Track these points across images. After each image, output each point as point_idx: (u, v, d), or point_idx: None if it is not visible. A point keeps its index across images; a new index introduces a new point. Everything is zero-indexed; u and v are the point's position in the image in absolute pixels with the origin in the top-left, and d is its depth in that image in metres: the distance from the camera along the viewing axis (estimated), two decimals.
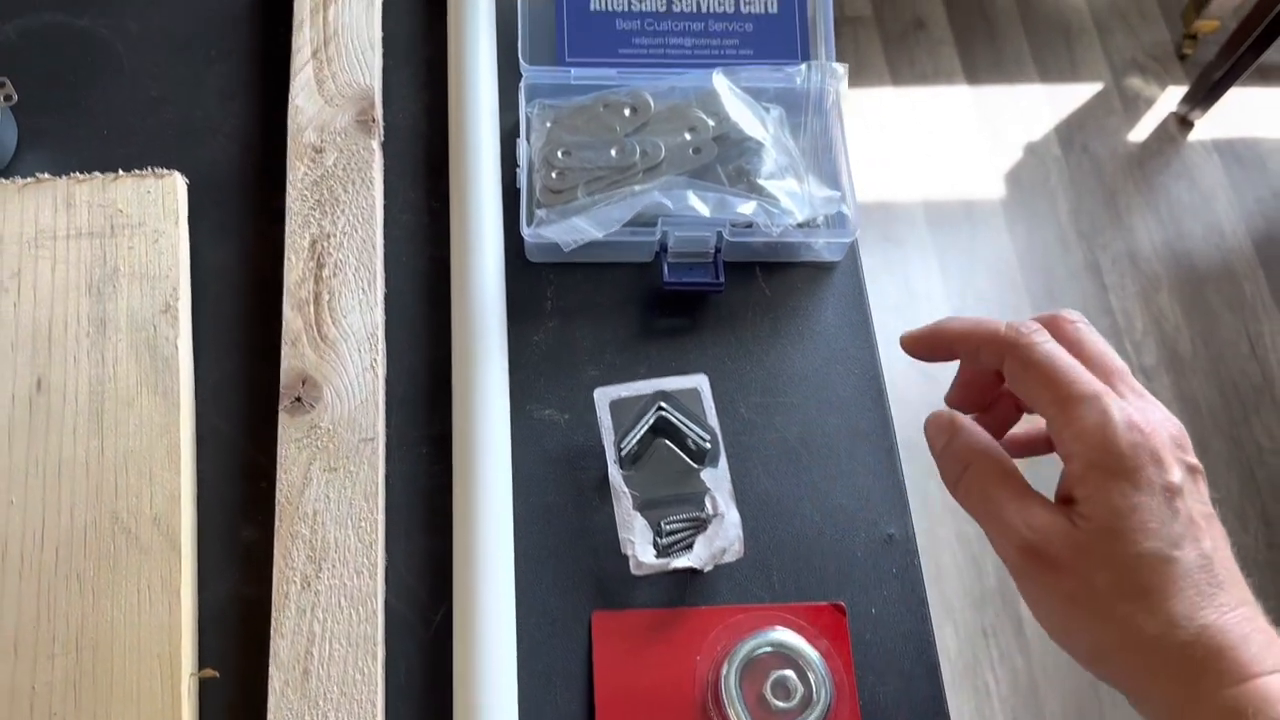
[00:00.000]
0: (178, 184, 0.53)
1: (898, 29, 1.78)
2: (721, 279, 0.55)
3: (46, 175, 0.53)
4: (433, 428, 0.52)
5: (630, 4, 0.60)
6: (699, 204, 0.53)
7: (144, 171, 0.53)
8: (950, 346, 0.44)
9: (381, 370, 0.51)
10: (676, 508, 0.51)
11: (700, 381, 0.52)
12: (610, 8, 0.60)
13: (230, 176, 0.56)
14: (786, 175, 0.57)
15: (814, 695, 0.46)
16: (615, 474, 0.50)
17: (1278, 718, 0.34)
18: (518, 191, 0.56)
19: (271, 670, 0.44)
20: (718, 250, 0.55)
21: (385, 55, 0.60)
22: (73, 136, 0.57)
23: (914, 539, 0.52)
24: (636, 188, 0.54)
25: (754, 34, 0.61)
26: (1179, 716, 0.35)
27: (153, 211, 0.52)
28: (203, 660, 0.46)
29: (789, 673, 0.47)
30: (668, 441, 0.51)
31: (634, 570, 0.48)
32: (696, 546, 0.48)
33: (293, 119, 0.55)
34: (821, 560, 0.50)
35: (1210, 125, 1.73)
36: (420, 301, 0.54)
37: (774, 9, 0.61)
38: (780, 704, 0.46)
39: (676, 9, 0.60)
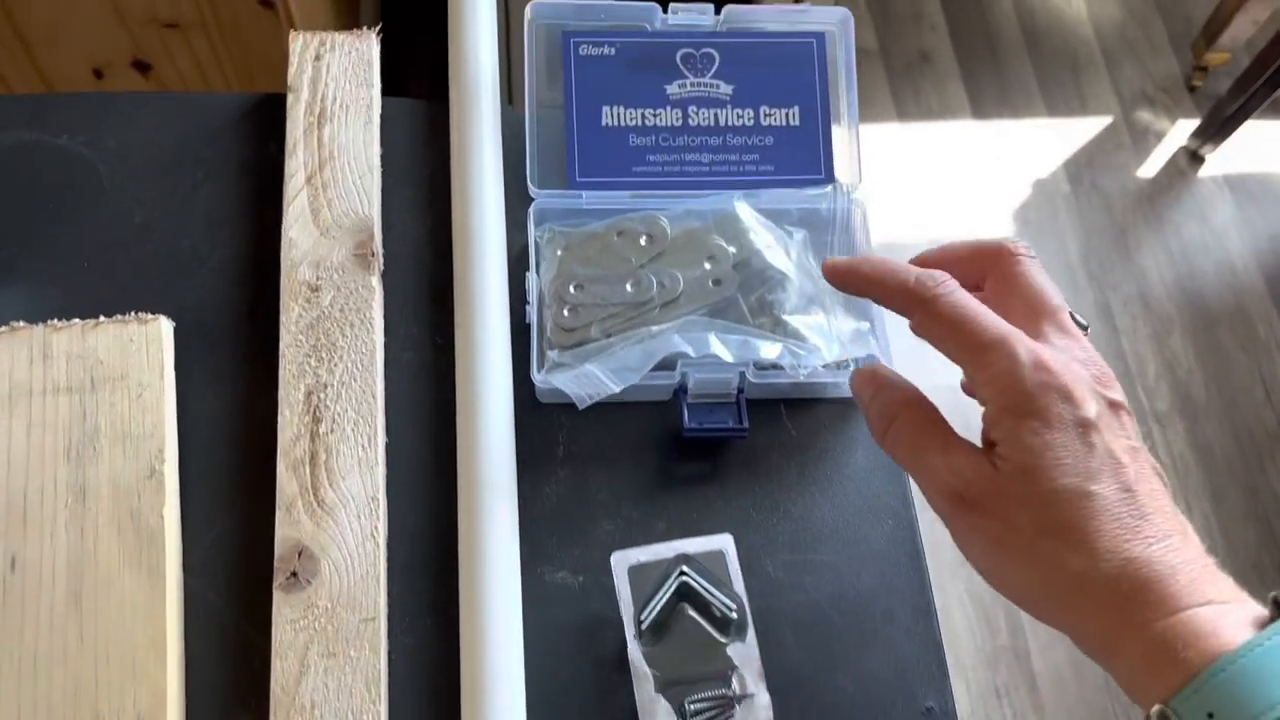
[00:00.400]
0: (163, 331, 0.50)
1: (902, 62, 1.75)
2: (745, 424, 0.51)
3: (21, 323, 0.49)
4: (438, 595, 0.48)
5: (644, 119, 0.56)
6: (721, 349, 0.50)
7: (126, 317, 0.50)
8: (865, 289, 0.44)
9: (383, 538, 0.47)
10: (701, 685, 0.47)
11: (725, 543, 0.48)
12: (623, 123, 0.56)
13: (220, 315, 0.53)
14: (812, 308, 0.53)
15: None
16: (635, 652, 0.46)
17: (1207, 651, 0.33)
18: (527, 327, 0.52)
19: None
20: (740, 391, 0.52)
21: (384, 173, 0.56)
22: (50, 270, 0.53)
23: (954, 712, 0.48)
24: (654, 328, 0.51)
25: (774, 148, 0.57)
26: (1112, 651, 0.35)
27: (136, 362, 0.49)
28: None
29: None
30: (691, 611, 0.48)
31: None
32: None
33: (286, 254, 0.52)
34: None
35: (1222, 160, 1.70)
36: (423, 452, 0.51)
37: (795, 120, 0.57)
38: None
39: (693, 123, 0.57)
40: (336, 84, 0.56)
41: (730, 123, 0.57)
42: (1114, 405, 0.38)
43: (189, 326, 0.52)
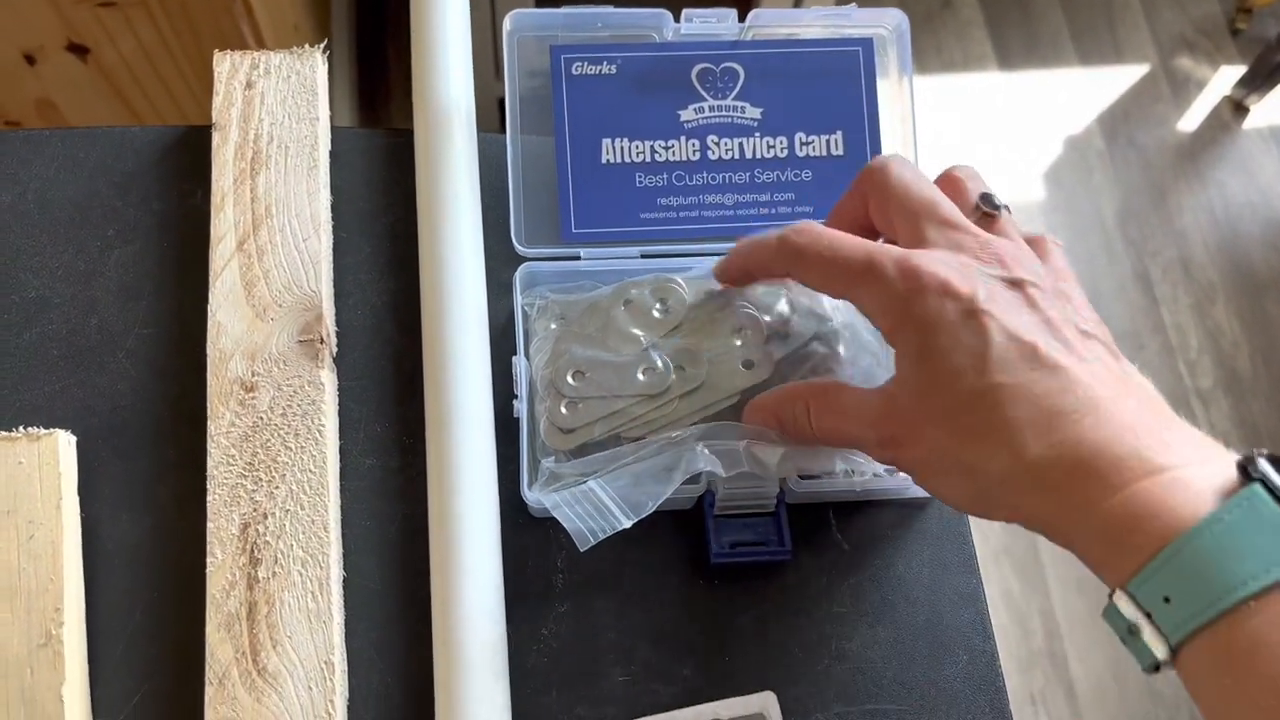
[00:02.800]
0: (60, 449, 0.40)
1: (922, 10, 1.62)
2: (788, 545, 0.42)
3: None
4: None
5: (653, 153, 0.46)
6: (758, 466, 0.40)
7: (14, 433, 0.40)
8: (746, 274, 0.42)
9: (341, 711, 0.38)
10: None
11: (766, 703, 0.39)
12: (627, 159, 0.45)
13: (136, 416, 0.43)
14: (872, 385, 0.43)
15: None
16: None
17: (1159, 531, 0.30)
18: (514, 421, 0.42)
19: None
20: (780, 502, 0.42)
21: (336, 225, 0.46)
22: None
23: None
24: (675, 433, 0.41)
25: (814, 184, 0.47)
26: (1070, 540, 0.33)
27: (26, 493, 0.39)
28: None
29: None
30: None
31: None
32: None
33: (213, 342, 0.42)
34: None
35: (1269, 111, 1.58)
36: (391, 588, 0.41)
37: (838, 149, 0.47)
38: None
39: (713, 156, 0.46)
40: (273, 118, 0.45)
41: (759, 154, 0.46)
42: (1015, 283, 0.34)
43: (96, 432, 0.42)
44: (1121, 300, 1.46)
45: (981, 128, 1.57)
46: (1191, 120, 1.58)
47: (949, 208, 0.37)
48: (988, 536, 1.32)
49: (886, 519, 0.44)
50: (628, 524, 0.38)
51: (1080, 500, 0.31)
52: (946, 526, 0.44)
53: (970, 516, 0.44)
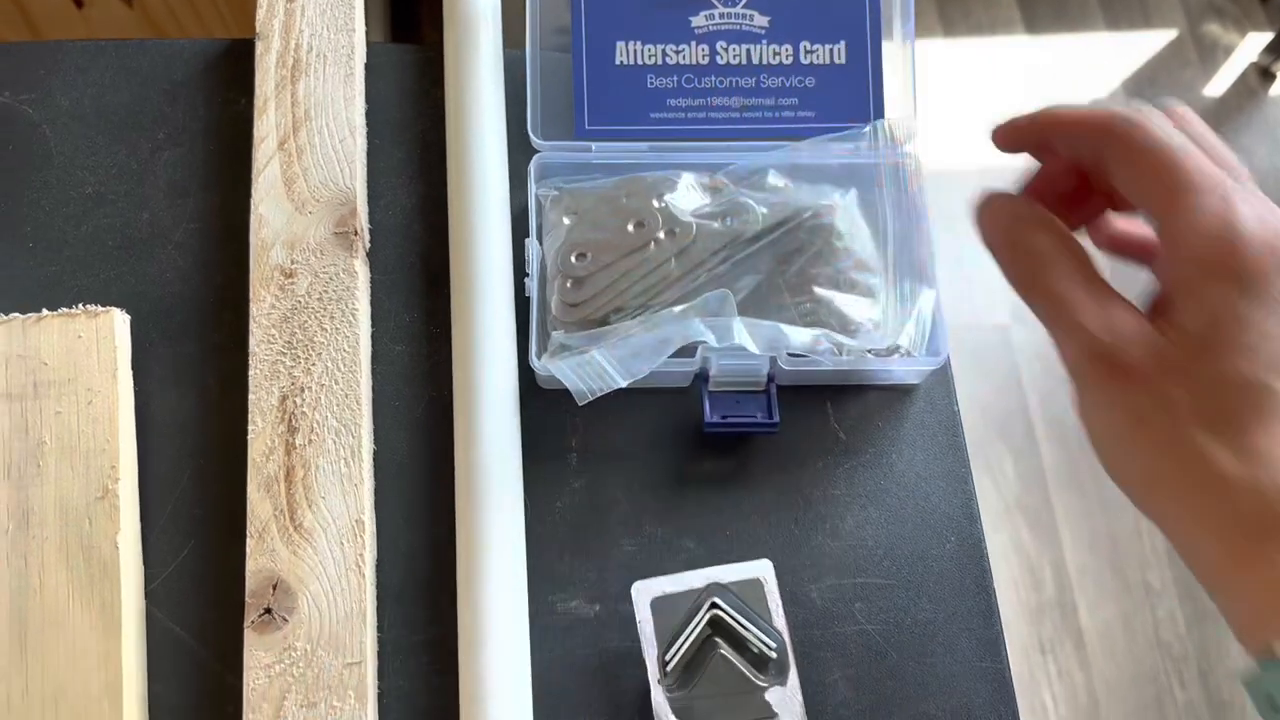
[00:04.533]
0: (116, 326, 0.43)
1: None
2: (776, 418, 0.44)
3: None
4: (434, 629, 0.42)
5: (664, 56, 0.48)
6: (747, 340, 0.43)
7: (74, 310, 0.43)
8: (1047, 137, 0.36)
9: (369, 568, 0.41)
10: None
11: (763, 570, 0.42)
12: (639, 61, 0.48)
13: (184, 303, 0.46)
14: (859, 285, 0.46)
15: None
16: (660, 698, 0.40)
17: None
18: (525, 301, 0.45)
19: None
20: (771, 380, 0.45)
21: (370, 133, 0.49)
22: None
23: None
24: (676, 309, 0.44)
25: (817, 91, 0.49)
26: (1231, 576, 0.29)
27: (86, 364, 0.42)
28: None
29: None
30: (724, 649, 0.42)
31: None
32: None
33: (255, 232, 0.45)
34: None
35: None
36: (417, 460, 0.44)
37: (841, 59, 0.49)
38: None
39: (721, 61, 0.49)
40: (313, 30, 0.48)
41: (765, 61, 0.49)
42: None
43: (148, 316, 0.45)
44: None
45: (1008, 91, 1.58)
46: (1218, 86, 1.58)
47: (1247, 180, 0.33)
48: (1000, 489, 1.34)
49: (881, 405, 0.47)
50: (623, 383, 0.41)
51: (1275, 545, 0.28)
52: (939, 416, 0.47)
53: (961, 409, 0.47)
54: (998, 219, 0.35)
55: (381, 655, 0.41)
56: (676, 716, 0.40)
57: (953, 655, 0.43)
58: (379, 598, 0.42)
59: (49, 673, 0.39)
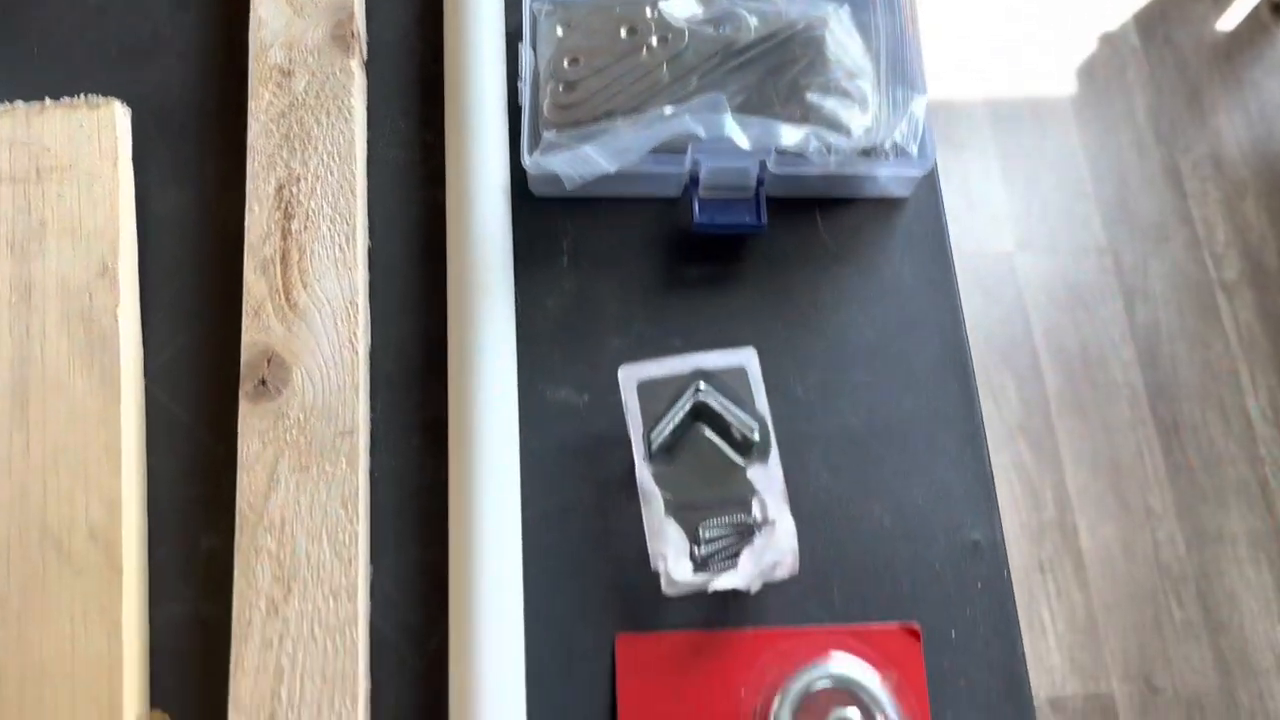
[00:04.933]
0: (116, 115, 0.44)
1: None
2: (763, 219, 0.45)
3: None
4: (426, 412, 0.43)
5: None
6: (737, 133, 0.43)
7: (76, 100, 0.44)
8: None
9: (363, 346, 0.42)
10: (717, 510, 0.42)
11: (747, 358, 0.43)
12: None
13: (183, 104, 0.47)
14: (851, 91, 0.46)
15: None
16: (644, 472, 0.41)
17: None
18: (518, 108, 0.46)
19: (231, 715, 0.37)
20: (760, 184, 0.45)
21: None
22: None
23: (1003, 545, 0.43)
24: (667, 109, 0.44)
25: None
26: None
27: (86, 150, 0.43)
28: (154, 696, 0.39)
29: (851, 712, 0.39)
30: (708, 431, 0.43)
31: (666, 590, 0.40)
32: (742, 562, 0.40)
33: (254, 33, 0.46)
34: (892, 574, 0.42)
35: None
36: (410, 258, 0.45)
37: None
38: None
39: None
40: None
41: None
42: None
43: (149, 115, 0.46)
44: (1149, 193, 1.47)
45: (1017, 23, 1.57)
46: (1230, 20, 1.57)
47: None
48: (1003, 412, 1.34)
49: (866, 215, 0.47)
50: (611, 169, 0.42)
51: None
52: (926, 227, 0.47)
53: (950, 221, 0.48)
54: None
55: (373, 434, 0.43)
56: (660, 486, 0.41)
57: (933, 447, 0.44)
58: (371, 382, 0.43)
59: (50, 433, 0.40)
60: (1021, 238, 1.43)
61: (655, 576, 0.40)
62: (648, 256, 0.46)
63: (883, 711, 0.39)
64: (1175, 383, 1.36)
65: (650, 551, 0.41)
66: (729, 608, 0.42)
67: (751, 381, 0.43)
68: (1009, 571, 0.42)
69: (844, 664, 0.40)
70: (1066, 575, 1.27)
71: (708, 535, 0.41)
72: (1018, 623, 0.42)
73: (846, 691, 0.40)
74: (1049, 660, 1.24)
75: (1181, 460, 1.32)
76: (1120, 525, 1.29)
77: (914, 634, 0.41)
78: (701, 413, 0.42)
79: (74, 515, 0.39)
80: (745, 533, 0.41)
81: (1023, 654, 0.42)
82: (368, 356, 0.43)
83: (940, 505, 0.43)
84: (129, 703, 0.37)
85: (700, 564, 0.41)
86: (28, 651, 0.37)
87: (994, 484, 0.44)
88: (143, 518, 0.40)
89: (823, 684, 0.40)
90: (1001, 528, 0.43)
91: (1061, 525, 1.29)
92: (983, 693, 0.41)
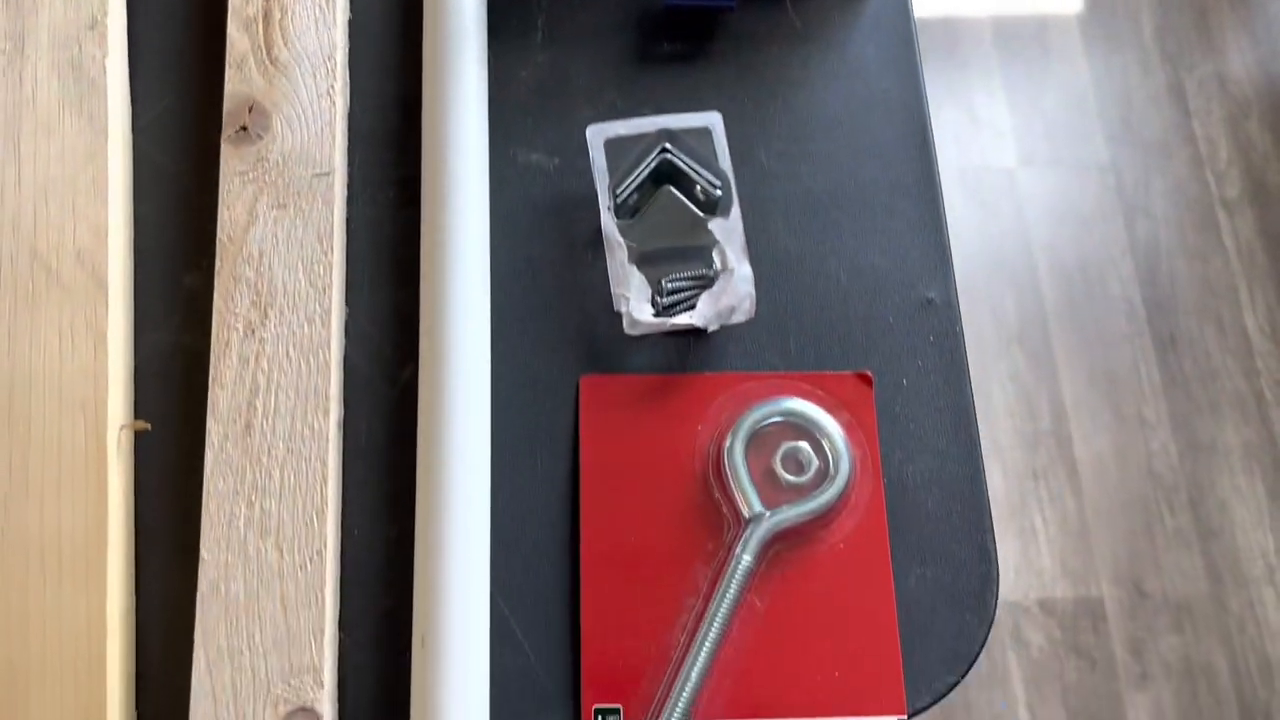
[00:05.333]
0: None
1: None
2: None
3: None
4: (401, 169, 0.45)
5: None
6: None
7: None
8: None
9: (341, 99, 0.44)
10: (680, 265, 0.44)
11: (712, 120, 0.44)
12: None
13: None
14: None
15: (830, 469, 0.40)
16: (609, 222, 0.43)
17: None
18: None
19: (210, 423, 0.39)
20: None
21: None
22: None
23: (957, 305, 0.44)
24: None
25: None
26: None
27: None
28: (138, 413, 0.41)
29: (802, 444, 0.41)
30: (673, 189, 0.44)
31: (628, 329, 0.42)
32: (701, 304, 0.42)
33: None
34: (847, 325, 0.44)
35: None
36: (389, 23, 0.47)
37: None
38: (791, 478, 0.40)
39: None
40: None
41: None
42: None
43: None
44: (1153, 111, 1.47)
45: None
46: None
47: None
48: (1000, 324, 1.35)
49: (838, 3, 0.48)
50: None
51: None
52: (892, 10, 0.48)
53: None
54: None
55: (351, 186, 0.44)
56: (625, 238, 0.43)
57: (891, 214, 0.45)
58: (350, 138, 0.45)
59: (40, 168, 0.42)
60: (1023, 154, 1.43)
61: (619, 321, 0.42)
62: (621, 32, 0.47)
63: (832, 445, 0.41)
64: (1173, 298, 1.37)
65: (614, 296, 0.43)
66: (689, 355, 0.43)
67: (716, 142, 0.44)
68: (961, 328, 0.44)
69: (796, 404, 0.42)
70: (1060, 482, 1.28)
71: (670, 286, 0.43)
72: (967, 373, 0.43)
73: (798, 428, 0.41)
74: (1039, 563, 1.26)
75: (1178, 373, 1.32)
76: (1114, 435, 1.30)
77: (866, 380, 0.43)
78: (666, 171, 0.44)
79: (62, 241, 0.41)
80: (706, 282, 0.43)
81: (971, 402, 0.43)
82: (346, 112, 0.44)
83: (896, 265, 0.44)
84: (113, 412, 0.39)
85: (661, 312, 0.42)
86: (18, 359, 0.39)
87: (950, 249, 0.45)
88: (128, 248, 0.42)
89: (775, 420, 0.41)
90: (955, 288, 0.45)
91: (1056, 434, 1.30)
92: (931, 435, 0.42)
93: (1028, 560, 1.26)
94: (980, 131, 1.44)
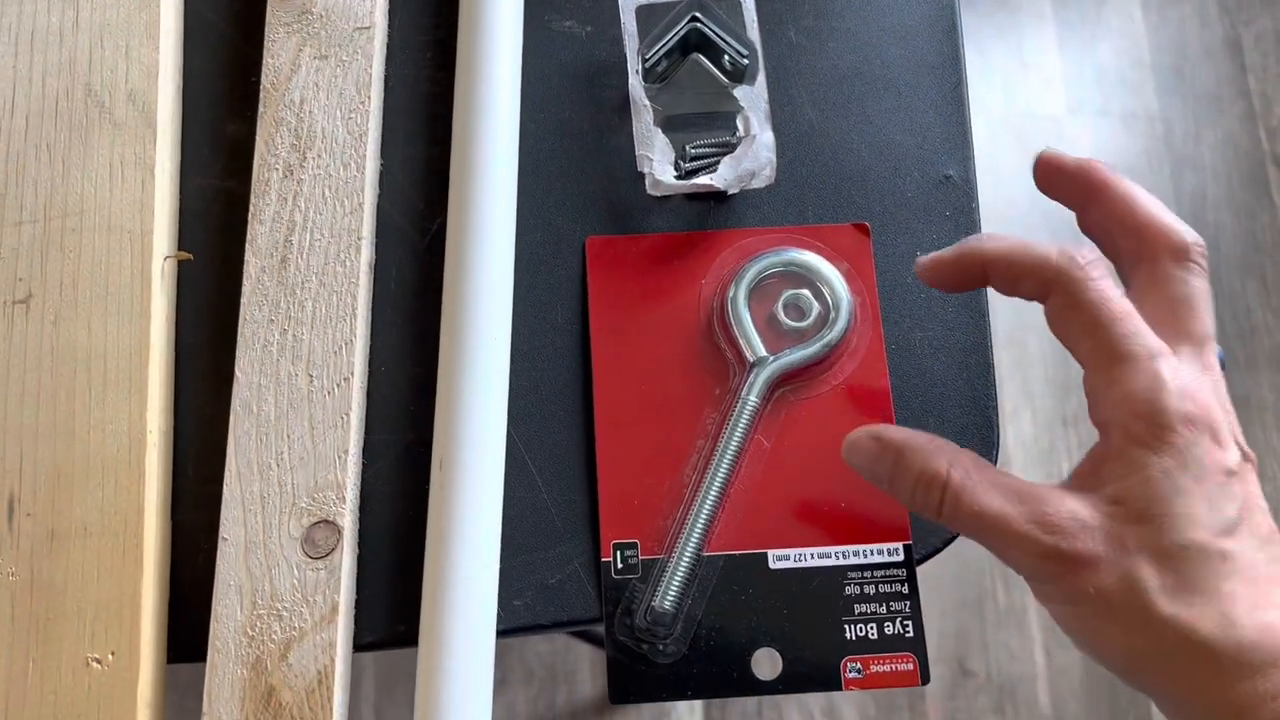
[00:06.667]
0: None
1: None
2: None
3: None
4: (439, 32, 0.46)
5: None
6: None
7: None
8: (984, 271, 0.35)
9: None
10: (704, 131, 0.45)
11: None
12: None
13: None
14: None
15: (831, 314, 0.42)
16: (636, 85, 0.44)
17: None
18: None
19: (248, 255, 0.41)
20: None
21: None
22: None
23: (975, 183, 0.45)
24: None
25: None
26: None
27: None
28: (181, 248, 0.43)
29: (803, 291, 0.42)
30: (701, 57, 0.45)
31: (650, 189, 0.43)
32: (722, 166, 0.43)
33: None
34: (865, 197, 0.45)
35: None
36: None
37: None
38: (793, 324, 0.42)
39: None
40: None
41: None
42: (1248, 457, 0.33)
43: None
44: (1208, 65, 1.44)
45: None
46: None
47: (1213, 351, 0.34)
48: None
49: None
50: None
51: (1265, 688, 0.29)
52: None
53: None
54: (878, 459, 0.35)
55: (390, 48, 0.46)
56: (650, 103, 0.44)
57: (915, 93, 0.46)
58: (390, 3, 0.46)
59: (97, 11, 0.44)
60: (1072, 101, 1.42)
61: (643, 184, 0.43)
62: None
63: (832, 291, 0.42)
64: (1216, 251, 1.36)
65: (638, 158, 0.44)
66: (708, 219, 0.45)
67: (745, 13, 0.46)
68: (977, 204, 0.45)
69: (796, 253, 0.43)
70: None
71: (693, 151, 0.44)
72: None
73: (799, 276, 0.43)
74: None
75: (1217, 324, 1.31)
76: None
77: (864, 230, 0.44)
78: (695, 40, 0.45)
79: (116, 81, 0.43)
80: (729, 148, 0.44)
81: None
82: None
83: (917, 143, 0.45)
84: (159, 243, 0.41)
85: (684, 176, 0.44)
86: (71, 189, 0.41)
87: (970, 131, 0.46)
88: (177, 93, 0.44)
89: (776, 270, 0.43)
90: (974, 168, 0.45)
91: None
92: (940, 304, 0.43)
93: None
94: (1029, 77, 1.42)
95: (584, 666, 1.18)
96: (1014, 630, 1.22)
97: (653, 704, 1.17)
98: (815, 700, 1.18)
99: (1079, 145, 1.40)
